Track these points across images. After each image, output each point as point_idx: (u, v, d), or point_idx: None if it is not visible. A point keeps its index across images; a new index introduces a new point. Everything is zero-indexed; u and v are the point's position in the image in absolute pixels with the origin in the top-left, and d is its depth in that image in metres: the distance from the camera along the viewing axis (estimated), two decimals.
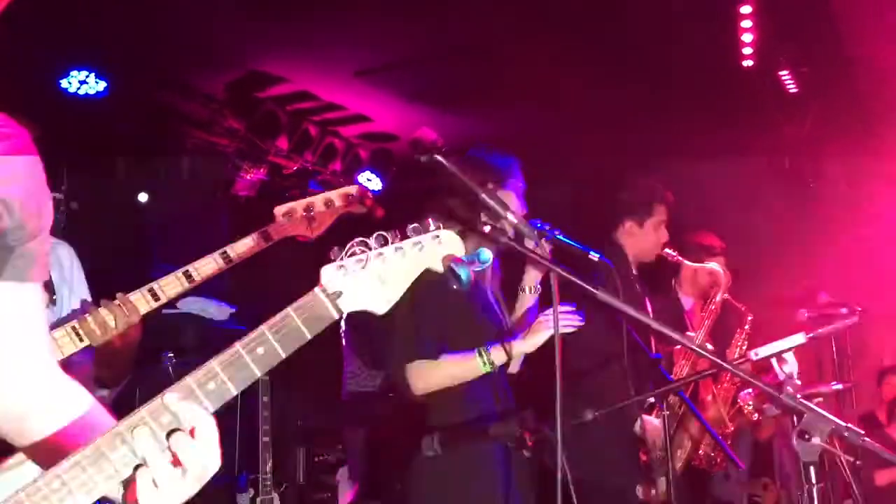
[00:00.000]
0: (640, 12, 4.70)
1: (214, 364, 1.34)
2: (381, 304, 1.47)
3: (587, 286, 1.90)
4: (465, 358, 3.04)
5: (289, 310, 1.39)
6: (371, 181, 7.08)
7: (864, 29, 4.74)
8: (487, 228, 2.04)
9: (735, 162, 6.44)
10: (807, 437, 1.70)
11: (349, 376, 5.52)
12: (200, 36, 5.08)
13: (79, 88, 5.08)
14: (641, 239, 4.26)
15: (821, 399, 4.08)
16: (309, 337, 1.40)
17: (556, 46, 5.22)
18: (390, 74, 5.74)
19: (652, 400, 3.65)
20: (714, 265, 4.65)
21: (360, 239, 1.47)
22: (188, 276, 2.50)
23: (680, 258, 4.44)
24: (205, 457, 1.28)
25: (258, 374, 1.36)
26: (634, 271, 4.34)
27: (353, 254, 1.45)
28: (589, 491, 3.78)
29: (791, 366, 2.60)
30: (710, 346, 4.42)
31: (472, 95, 6.09)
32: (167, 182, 6.24)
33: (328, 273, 1.43)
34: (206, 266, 2.54)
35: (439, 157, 1.92)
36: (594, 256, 2.90)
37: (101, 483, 1.27)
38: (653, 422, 3.83)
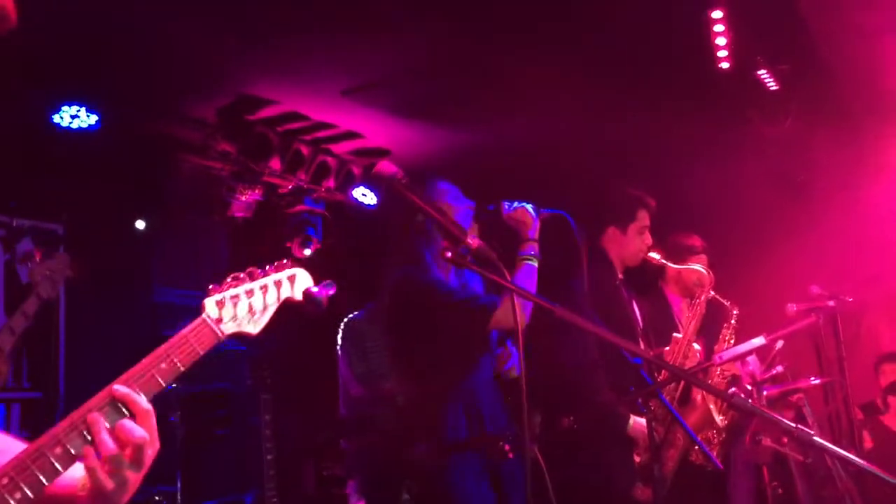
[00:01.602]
0: (615, 24, 4.79)
1: (126, 379, 1.59)
2: (252, 327, 1.75)
3: (546, 303, 1.99)
4: (516, 276, 3.14)
5: (184, 332, 1.65)
6: (366, 196, 7.18)
7: (833, 27, 4.82)
8: (448, 254, 2.13)
9: (722, 160, 6.50)
10: (757, 438, 1.77)
11: (342, 391, 5.62)
12: (187, 64, 5.17)
13: (71, 122, 5.18)
14: (625, 244, 4.35)
15: (801, 394, 4.16)
16: (201, 353, 1.65)
17: (539, 58, 5.30)
18: (377, 91, 5.83)
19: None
20: (698, 266, 4.72)
21: (233, 275, 1.75)
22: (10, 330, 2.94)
23: (664, 261, 4.51)
24: (149, 440, 1.52)
25: (164, 385, 1.61)
26: (620, 276, 4.42)
27: (230, 287, 1.73)
28: (591, 496, 3.88)
29: (753, 366, 2.67)
30: (697, 347, 4.49)
31: (460, 108, 6.17)
32: (163, 208, 6.34)
33: (210, 304, 1.69)
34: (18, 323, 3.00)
35: (401, 189, 2.00)
36: (545, 214, 3.08)
37: (46, 477, 1.47)
38: (640, 422, 3.91)
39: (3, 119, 5.00)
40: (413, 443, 2.93)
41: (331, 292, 1.85)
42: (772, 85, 5.48)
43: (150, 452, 1.53)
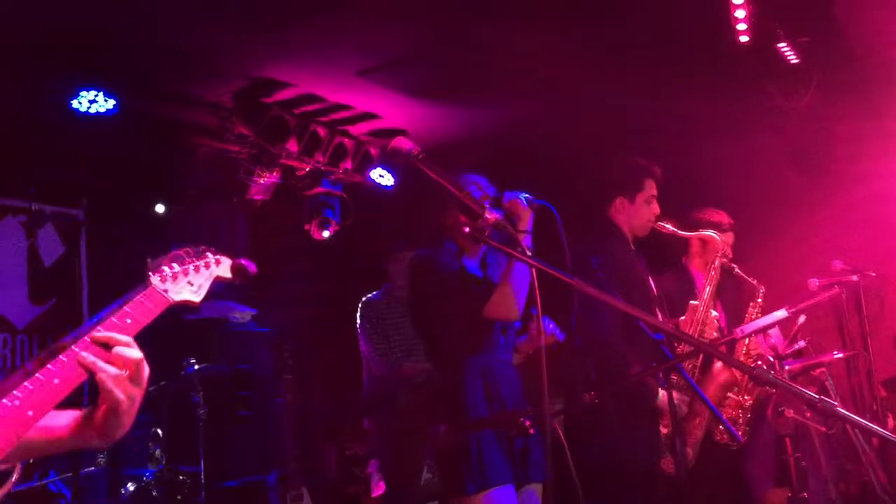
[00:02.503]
0: (631, 1, 4.74)
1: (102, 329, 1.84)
2: (195, 297, 2.08)
3: (566, 277, 1.98)
4: (508, 269, 3.21)
5: (139, 297, 1.93)
6: (383, 177, 7.18)
7: None
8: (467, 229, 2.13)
9: (741, 135, 6.45)
10: (780, 409, 1.76)
11: (366, 370, 5.65)
12: (203, 48, 5.18)
13: (89, 108, 5.20)
14: (633, 214, 4.30)
15: (824, 369, 4.13)
16: (157, 313, 1.94)
17: (556, 34, 5.27)
18: (392, 71, 5.81)
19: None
20: (709, 231, 4.67)
21: (175, 254, 2.08)
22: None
23: (674, 230, 4.45)
24: (143, 359, 1.78)
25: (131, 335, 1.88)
26: (632, 247, 4.38)
27: (170, 266, 2.05)
28: (617, 474, 3.87)
29: (776, 339, 2.66)
30: (715, 314, 4.44)
31: (475, 86, 6.14)
32: (182, 192, 6.37)
33: (155, 279, 1.99)
34: None
35: (418, 164, 2.00)
36: (528, 198, 3.06)
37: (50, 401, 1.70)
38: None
39: (22, 105, 5.03)
40: (433, 422, 2.95)
41: (252, 268, 2.22)
42: (792, 58, 5.41)
43: (146, 371, 1.79)
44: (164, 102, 5.72)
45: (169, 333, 5.97)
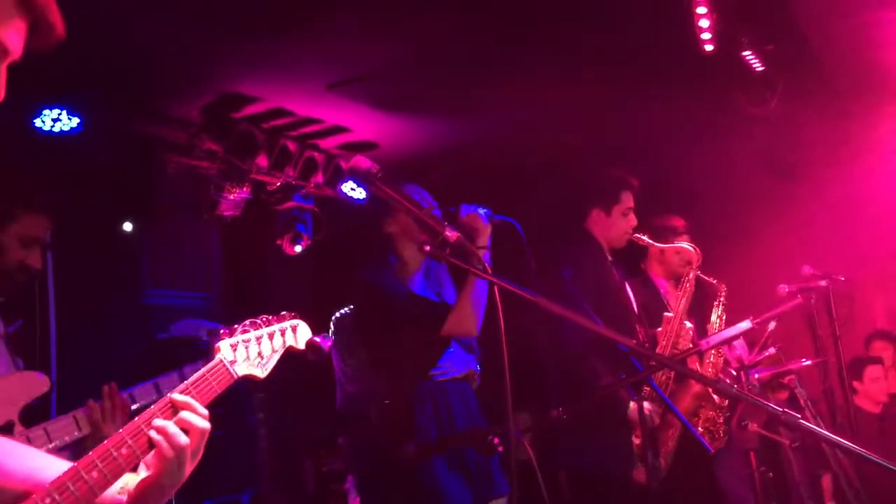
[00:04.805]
0: (597, 9, 4.76)
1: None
2: (260, 371, 1.90)
3: (527, 294, 1.97)
4: (468, 286, 3.19)
5: (203, 372, 1.77)
6: (354, 190, 7.15)
7: (817, 4, 4.80)
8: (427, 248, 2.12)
9: (709, 142, 6.49)
10: (744, 423, 1.75)
11: (339, 386, 5.62)
12: (169, 64, 5.13)
13: (52, 126, 5.14)
14: (609, 227, 4.34)
15: (793, 375, 4.14)
16: (219, 392, 1.78)
17: (523, 49, 5.28)
18: (363, 84, 5.79)
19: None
20: (685, 244, 4.72)
21: (250, 320, 1.88)
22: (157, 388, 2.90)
23: (650, 242, 4.50)
24: (208, 430, 1.69)
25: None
26: (609, 258, 4.40)
27: (243, 332, 1.87)
28: (588, 483, 3.87)
29: (741, 350, 2.66)
30: (689, 325, 4.46)
31: (445, 98, 6.15)
32: (151, 209, 6.30)
33: (225, 347, 1.82)
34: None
35: (377, 183, 1.98)
36: (487, 213, 3.04)
37: (127, 465, 1.62)
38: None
39: None
40: (400, 441, 2.94)
41: (329, 343, 2.06)
42: (757, 66, 5.45)
43: (203, 444, 1.70)
44: (130, 120, 5.65)
45: (140, 353, 5.92)
